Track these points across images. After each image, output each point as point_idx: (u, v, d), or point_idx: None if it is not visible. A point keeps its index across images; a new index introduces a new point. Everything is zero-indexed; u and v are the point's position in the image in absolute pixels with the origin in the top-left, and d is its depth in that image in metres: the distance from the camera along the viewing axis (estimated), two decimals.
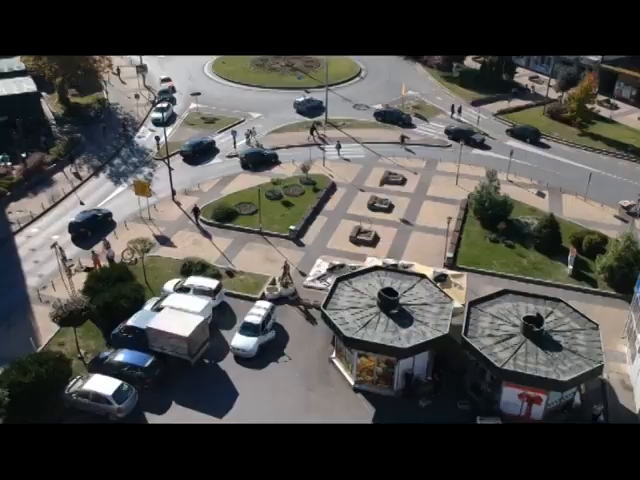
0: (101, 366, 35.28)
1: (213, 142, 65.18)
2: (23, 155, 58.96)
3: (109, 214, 51.64)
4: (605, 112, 75.82)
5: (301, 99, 74.58)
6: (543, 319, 33.68)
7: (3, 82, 65.95)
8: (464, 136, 64.35)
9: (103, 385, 32.89)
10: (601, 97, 76.99)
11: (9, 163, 58.58)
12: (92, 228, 49.52)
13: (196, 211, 51.27)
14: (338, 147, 63.53)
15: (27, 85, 66.37)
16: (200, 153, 62.73)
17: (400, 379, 34.40)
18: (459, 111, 74.39)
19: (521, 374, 31.05)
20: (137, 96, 73.56)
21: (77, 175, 59.23)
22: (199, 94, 74.57)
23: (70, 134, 65.58)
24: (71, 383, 33.78)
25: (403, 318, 34.65)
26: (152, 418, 33.18)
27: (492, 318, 34.78)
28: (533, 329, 32.96)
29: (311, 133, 66.64)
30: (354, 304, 35.78)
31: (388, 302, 34.94)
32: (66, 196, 55.77)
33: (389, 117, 71.56)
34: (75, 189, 56.97)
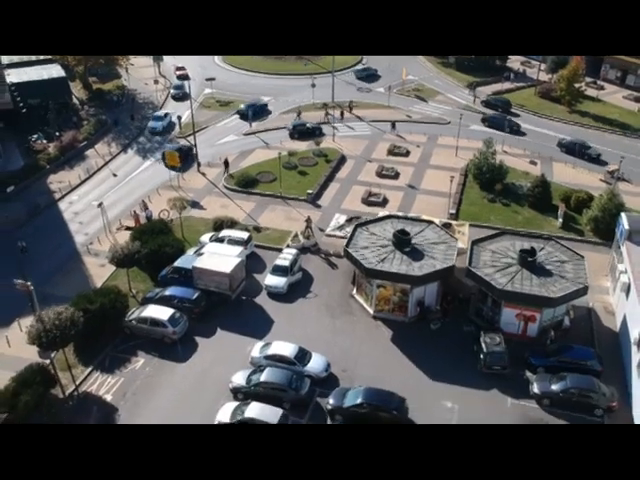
0: (153, 301, 40.43)
1: (266, 104, 74.92)
2: (57, 134, 64.05)
3: (191, 148, 61.84)
4: (592, 92, 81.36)
5: (360, 67, 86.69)
6: (536, 251, 39.17)
7: (33, 69, 71.03)
8: (577, 149, 63.89)
9: (159, 312, 38.17)
10: (588, 79, 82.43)
11: (44, 141, 63.61)
12: (179, 157, 57.91)
13: (226, 163, 58.43)
14: (326, 114, 71.30)
15: (56, 71, 71.45)
16: (254, 113, 71.66)
17: (413, 306, 39.74)
18: (474, 88, 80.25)
19: (518, 293, 36.55)
20: (156, 82, 78.63)
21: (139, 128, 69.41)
22: (213, 79, 79.71)
23: (96, 116, 70.72)
24: (130, 312, 39.05)
25: (415, 254, 40.05)
26: (201, 342, 38.50)
27: (492, 253, 40.24)
28: (527, 259, 38.44)
29: (341, 114, 71.98)
30: (372, 244, 41.14)
31: (402, 240, 40.35)
32: (100, 168, 61.01)
33: (495, 123, 70.48)
34: (107, 162, 62.17)
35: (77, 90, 78.32)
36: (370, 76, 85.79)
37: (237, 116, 72.96)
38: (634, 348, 34.15)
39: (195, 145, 60.77)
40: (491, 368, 35.51)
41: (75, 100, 75.32)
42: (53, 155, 61.21)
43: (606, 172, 60.04)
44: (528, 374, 35.69)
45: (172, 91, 79.45)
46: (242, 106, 73.30)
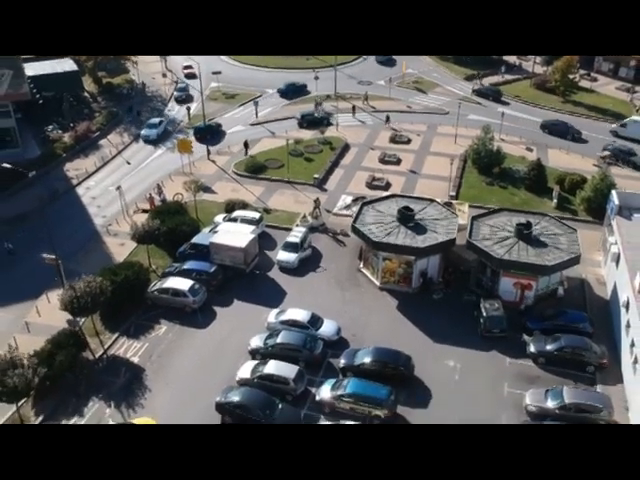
0: (172, 275, 42.97)
1: (305, 85, 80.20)
2: (71, 124, 66.66)
3: (220, 125, 69.16)
4: (586, 84, 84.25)
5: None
6: (532, 225, 41.87)
7: (48, 63, 73.44)
8: (622, 156, 62.53)
9: (180, 283, 40.83)
10: (582, 71, 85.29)
11: (59, 131, 66.20)
12: (211, 132, 66.82)
13: (246, 145, 62.13)
14: (319, 104, 73.32)
15: (69, 65, 74.04)
16: (293, 92, 79.08)
17: (417, 278, 42.37)
18: (481, 77, 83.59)
19: (515, 262, 39.26)
20: (164, 75, 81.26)
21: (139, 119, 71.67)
22: (219, 73, 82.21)
23: (107, 108, 73.36)
24: (152, 284, 41.66)
25: (419, 229, 42.72)
26: (220, 311, 41.14)
27: (491, 227, 42.96)
28: (524, 231, 41.15)
29: (353, 108, 73.75)
30: (378, 220, 43.80)
31: (406, 216, 43.05)
32: (114, 157, 63.70)
33: (556, 130, 68.32)
34: (121, 151, 64.83)
35: (87, 84, 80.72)
36: (390, 60, 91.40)
37: (277, 93, 79.48)
38: (623, 310, 36.83)
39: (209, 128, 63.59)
40: (490, 331, 38.14)
41: (86, 93, 77.91)
42: (69, 144, 63.81)
43: (599, 157, 62.73)
44: (525, 337, 38.32)
45: (175, 93, 78.93)
46: (281, 87, 78.95)
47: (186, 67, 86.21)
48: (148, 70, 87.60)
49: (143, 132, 67.29)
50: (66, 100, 68.36)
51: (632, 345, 34.26)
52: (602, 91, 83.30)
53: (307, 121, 70.07)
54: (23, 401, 32.78)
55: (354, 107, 74.06)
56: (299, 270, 45.20)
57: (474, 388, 34.86)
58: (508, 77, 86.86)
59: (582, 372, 35.77)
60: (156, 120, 69.22)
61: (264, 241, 48.14)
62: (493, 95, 78.92)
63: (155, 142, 66.50)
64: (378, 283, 43.27)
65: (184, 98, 78.10)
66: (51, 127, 66.54)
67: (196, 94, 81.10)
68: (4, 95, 59.60)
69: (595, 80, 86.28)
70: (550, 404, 32.25)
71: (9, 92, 59.81)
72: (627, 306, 36.19)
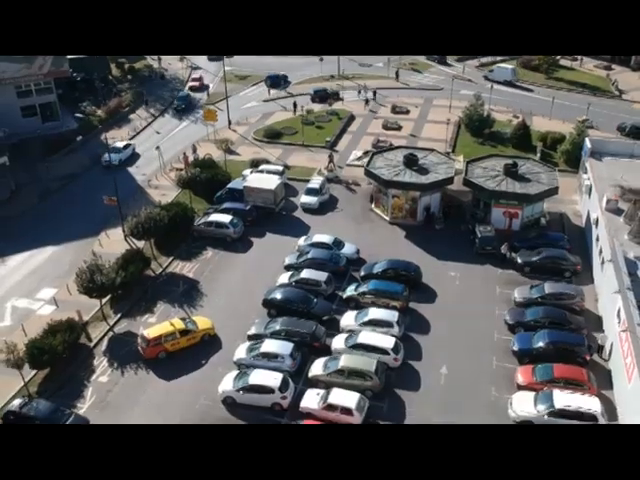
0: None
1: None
2: (103, 101, 73.99)
3: (286, 76, 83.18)
4: (566, 62, 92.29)
5: None
6: (518, 164, 49.50)
7: None
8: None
9: (222, 217, 48.22)
10: None
11: (93, 107, 73.44)
12: (277, 82, 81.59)
13: (295, 105, 72.20)
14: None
15: None
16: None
17: (421, 212, 49.86)
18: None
19: (504, 192, 46.89)
20: (181, 60, 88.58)
21: (151, 114, 75.86)
22: (232, 56, 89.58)
23: (132, 89, 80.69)
24: (197, 219, 49.03)
25: (422, 171, 50.28)
26: (255, 241, 48.55)
27: (483, 169, 50.56)
28: (511, 169, 48.77)
29: (374, 93, 79.59)
30: (387, 165, 51.31)
31: (411, 160, 50.58)
32: (144, 128, 71.17)
33: None
34: (150, 123, 72.25)
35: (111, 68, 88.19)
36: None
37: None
38: (593, 227, 44.47)
39: (227, 108, 70.82)
40: (484, 249, 45.58)
41: (110, 76, 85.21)
42: (103, 117, 71.16)
43: (578, 121, 70.41)
44: (513, 254, 45.78)
45: (175, 102, 77.06)
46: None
47: (194, 79, 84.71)
48: (164, 57, 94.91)
49: (105, 157, 59.20)
50: (98, 80, 75.60)
51: (600, 252, 41.83)
52: (582, 69, 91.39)
53: (319, 96, 77.70)
54: (106, 300, 40.13)
55: (375, 92, 79.51)
56: (319, 210, 52.64)
57: (471, 290, 42.39)
58: (497, 57, 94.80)
59: (561, 277, 43.20)
60: (121, 144, 63.11)
61: (287, 190, 55.52)
62: (439, 59, 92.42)
63: (116, 168, 58.97)
64: (388, 218, 50.73)
65: (183, 107, 75.62)
66: (85, 103, 73.72)
67: (213, 70, 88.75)
68: (47, 73, 66.74)
69: (575, 59, 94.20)
70: (534, 294, 39.78)
71: (52, 70, 66.92)
72: (597, 223, 43.80)
